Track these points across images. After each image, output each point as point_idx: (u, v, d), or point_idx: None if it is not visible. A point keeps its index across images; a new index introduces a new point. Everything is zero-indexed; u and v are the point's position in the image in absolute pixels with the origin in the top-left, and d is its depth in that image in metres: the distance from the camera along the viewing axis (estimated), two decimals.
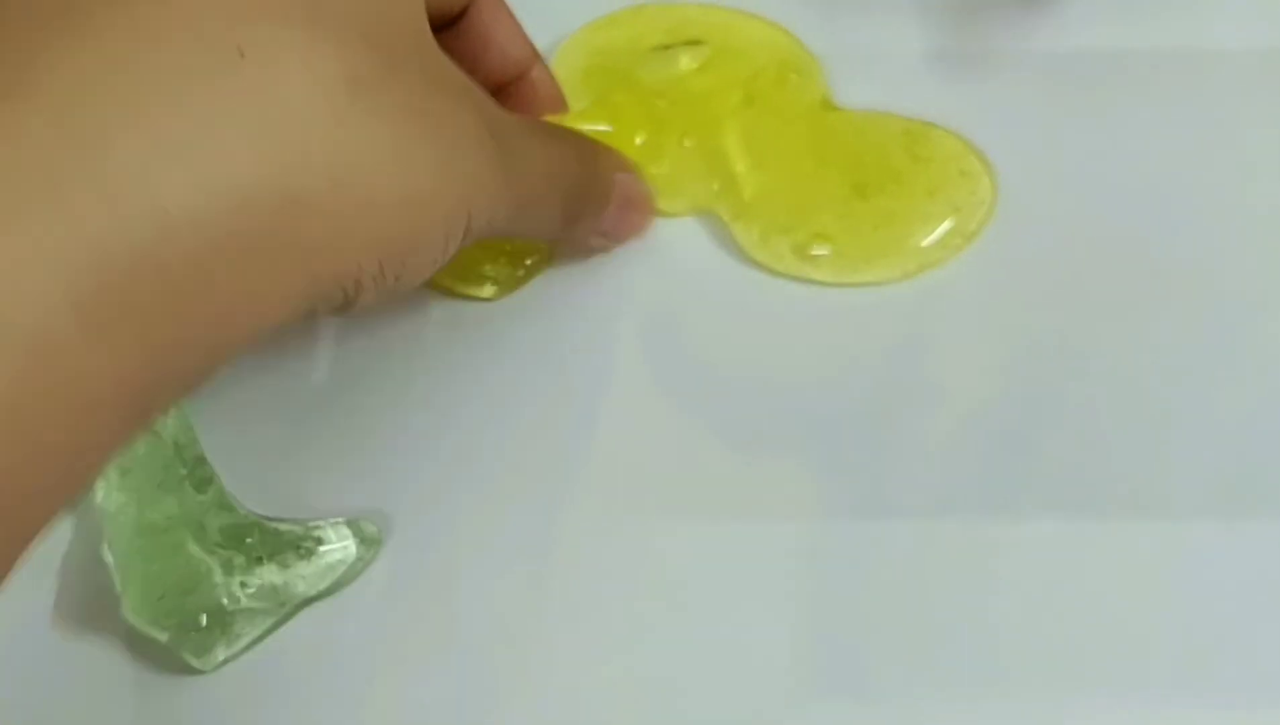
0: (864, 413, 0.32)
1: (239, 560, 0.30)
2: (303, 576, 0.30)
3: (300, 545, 0.30)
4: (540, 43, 0.34)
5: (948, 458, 0.31)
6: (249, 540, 0.30)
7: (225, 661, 0.30)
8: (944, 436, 0.32)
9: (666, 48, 0.37)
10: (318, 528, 0.30)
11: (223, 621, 0.29)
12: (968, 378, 0.33)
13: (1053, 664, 0.29)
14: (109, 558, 0.30)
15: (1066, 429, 0.31)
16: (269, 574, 0.30)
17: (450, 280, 0.35)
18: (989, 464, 0.31)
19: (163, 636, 0.29)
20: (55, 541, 0.32)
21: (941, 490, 0.31)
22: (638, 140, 0.35)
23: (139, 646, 0.30)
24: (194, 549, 0.30)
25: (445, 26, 0.31)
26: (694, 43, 0.37)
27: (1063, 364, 0.32)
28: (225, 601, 0.29)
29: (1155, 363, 0.32)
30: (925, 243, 0.34)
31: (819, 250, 0.34)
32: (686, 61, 0.37)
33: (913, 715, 0.29)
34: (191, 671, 0.29)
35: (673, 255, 0.35)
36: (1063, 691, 0.29)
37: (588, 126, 0.35)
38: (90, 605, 0.31)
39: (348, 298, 0.25)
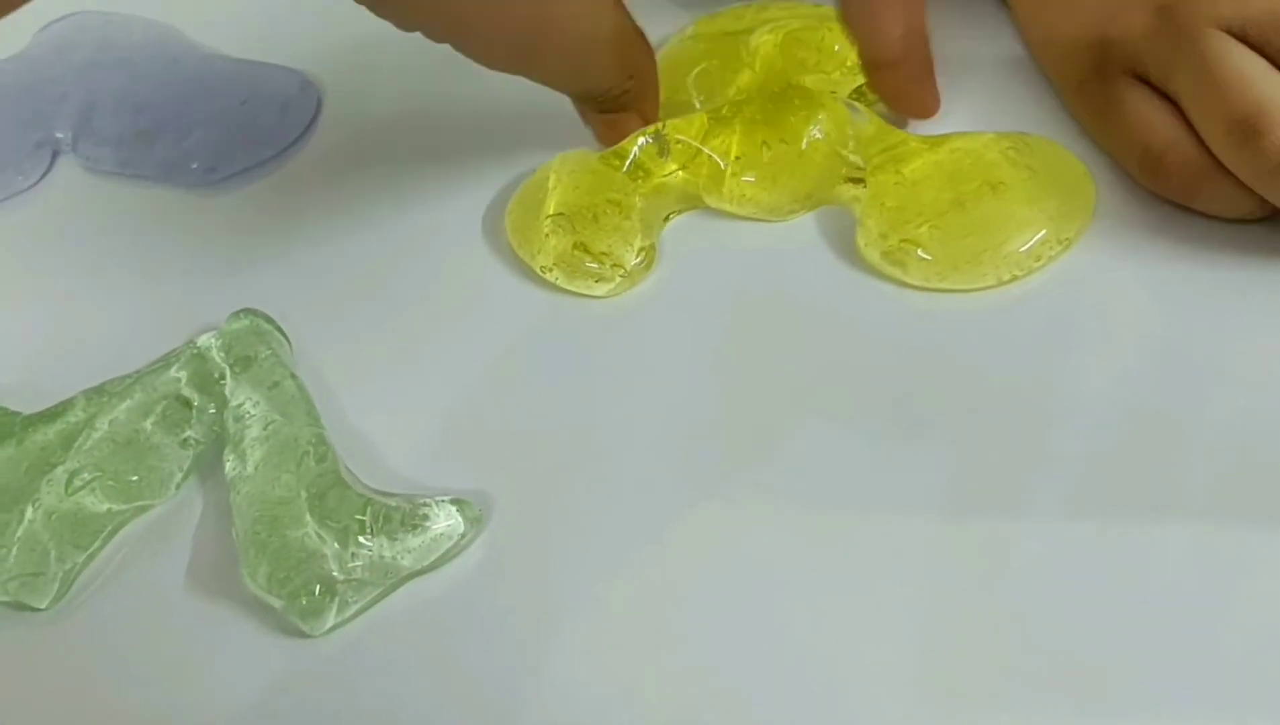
0: (965, 420, 0.32)
1: (352, 532, 0.31)
2: (410, 550, 0.31)
3: (408, 520, 0.32)
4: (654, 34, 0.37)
5: (1049, 466, 0.31)
6: (360, 515, 0.32)
7: (334, 628, 0.31)
8: (1049, 444, 0.32)
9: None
10: (425, 505, 0.32)
11: (333, 590, 0.31)
12: (1073, 383, 0.33)
13: (1189, 677, 0.28)
14: (234, 529, 0.32)
15: (1179, 437, 0.31)
16: (379, 547, 0.31)
17: (563, 279, 0.36)
18: (1086, 472, 0.31)
19: (277, 603, 0.31)
20: (187, 513, 0.34)
21: (1040, 501, 0.31)
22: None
23: (258, 611, 0.32)
24: (310, 521, 0.32)
25: None
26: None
27: (1165, 369, 0.32)
28: (336, 572, 0.31)
29: (1266, 367, 0.32)
30: (1022, 250, 0.34)
31: (913, 254, 0.34)
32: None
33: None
34: (303, 635, 0.31)
35: (775, 258, 0.36)
36: (1205, 706, 0.27)
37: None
38: (217, 573, 0.33)
39: None
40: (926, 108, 0.38)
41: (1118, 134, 0.35)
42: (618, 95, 0.37)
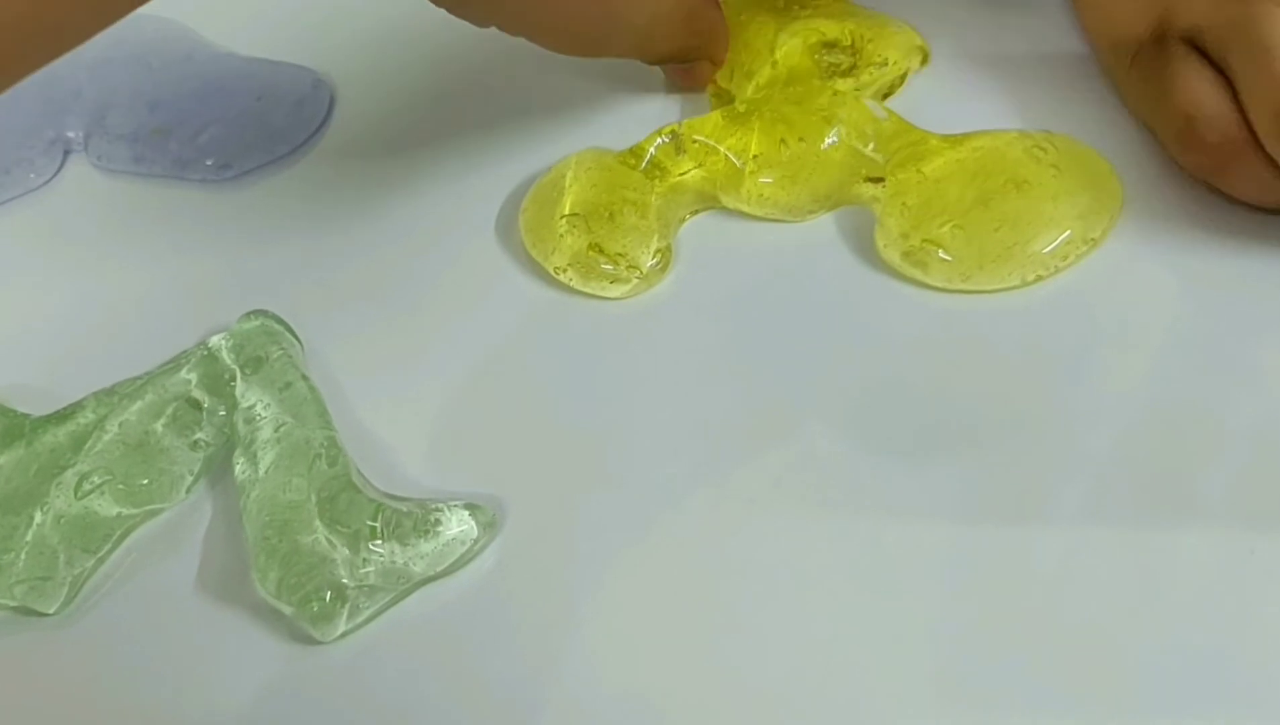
0: (988, 423, 0.32)
1: (363, 537, 0.31)
2: (422, 555, 0.31)
3: (421, 525, 0.31)
4: None
5: (1074, 469, 0.31)
6: (371, 521, 0.31)
7: (345, 634, 0.31)
8: (1073, 447, 0.31)
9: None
10: (438, 509, 0.31)
11: (344, 596, 0.30)
12: (1098, 386, 0.32)
13: (1216, 681, 0.27)
14: (244, 534, 0.32)
15: (1204, 441, 0.30)
16: (390, 552, 0.31)
17: (578, 280, 0.36)
18: (1111, 475, 0.30)
19: (288, 610, 0.30)
20: (197, 517, 0.33)
21: (1065, 505, 0.30)
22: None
23: (268, 617, 0.31)
24: (321, 526, 0.31)
25: None
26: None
27: (1191, 372, 0.32)
28: (347, 578, 0.31)
29: None
30: (1047, 250, 0.33)
31: (934, 255, 0.34)
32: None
33: None
34: (314, 641, 0.31)
35: (793, 259, 0.36)
36: (1232, 710, 0.27)
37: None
38: (227, 578, 0.32)
39: None
40: None
41: (1163, 102, 0.34)
42: (686, 55, 0.39)
